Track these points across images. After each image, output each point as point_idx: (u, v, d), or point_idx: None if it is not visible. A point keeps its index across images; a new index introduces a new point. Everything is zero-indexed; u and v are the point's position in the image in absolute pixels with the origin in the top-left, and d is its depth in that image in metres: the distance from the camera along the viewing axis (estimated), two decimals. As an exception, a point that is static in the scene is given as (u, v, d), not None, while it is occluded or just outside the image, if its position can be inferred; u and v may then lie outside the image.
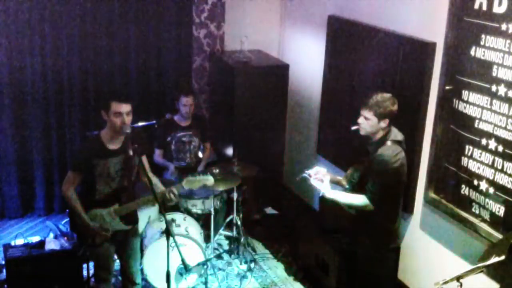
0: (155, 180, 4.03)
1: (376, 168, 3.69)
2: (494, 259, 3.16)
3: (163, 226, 4.24)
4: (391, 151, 3.70)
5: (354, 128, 3.83)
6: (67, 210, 5.52)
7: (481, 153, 3.77)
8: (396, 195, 3.86)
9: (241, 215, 5.24)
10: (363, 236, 3.94)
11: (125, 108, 3.71)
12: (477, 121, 3.78)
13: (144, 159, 4.00)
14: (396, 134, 3.80)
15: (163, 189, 3.91)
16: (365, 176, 3.80)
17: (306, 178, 3.97)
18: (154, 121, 5.15)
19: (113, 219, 3.85)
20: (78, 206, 3.80)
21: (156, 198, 3.64)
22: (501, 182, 3.63)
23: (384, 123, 3.72)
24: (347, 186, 4.01)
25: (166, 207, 4.73)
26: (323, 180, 3.89)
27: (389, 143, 3.73)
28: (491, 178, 3.70)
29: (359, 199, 3.75)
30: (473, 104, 3.80)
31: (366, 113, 3.72)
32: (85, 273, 4.59)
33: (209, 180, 4.01)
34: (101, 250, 3.92)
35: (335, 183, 4.06)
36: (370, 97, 3.74)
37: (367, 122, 3.74)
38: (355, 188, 3.88)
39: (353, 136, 4.85)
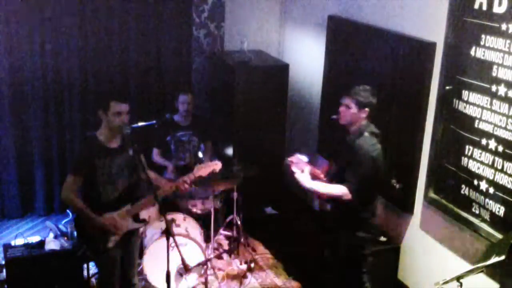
0: (153, 175, 4.02)
1: (355, 157, 3.76)
2: (494, 259, 3.16)
3: (163, 226, 4.24)
4: (369, 140, 3.78)
5: (334, 117, 3.92)
6: (67, 211, 5.57)
7: (481, 153, 3.77)
8: (373, 186, 3.89)
9: (241, 215, 5.24)
10: (344, 230, 3.97)
11: (125, 107, 3.71)
12: (477, 121, 3.78)
13: (142, 157, 4.00)
14: (373, 128, 3.87)
15: (168, 183, 3.94)
16: (343, 167, 3.86)
17: (287, 165, 4.03)
18: (154, 121, 5.15)
19: (126, 221, 3.84)
20: (83, 207, 3.71)
21: (156, 197, 3.64)
22: (501, 182, 3.63)
23: (363, 113, 3.79)
24: (325, 179, 4.05)
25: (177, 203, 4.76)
26: (303, 170, 3.94)
27: (366, 133, 3.80)
28: (491, 178, 3.70)
29: (338, 189, 3.78)
30: (473, 104, 3.80)
31: (347, 101, 3.82)
32: (85, 273, 4.59)
33: (218, 164, 4.04)
34: (109, 257, 3.85)
35: (313, 177, 4.09)
36: (352, 87, 3.86)
37: (347, 111, 3.82)
38: (333, 180, 3.92)
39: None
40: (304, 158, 4.01)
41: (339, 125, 3.90)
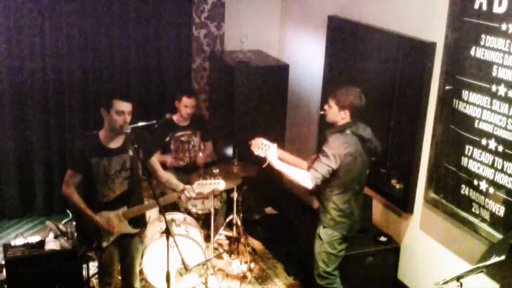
0: (169, 176, 4.05)
1: (323, 150, 3.86)
2: (494, 259, 3.16)
3: (163, 226, 4.23)
4: (345, 138, 3.86)
5: (321, 113, 4.09)
6: (67, 210, 5.57)
7: (481, 153, 3.77)
8: (340, 182, 3.92)
9: (241, 215, 5.24)
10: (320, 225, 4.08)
11: (128, 107, 3.70)
12: (477, 121, 3.78)
13: (155, 159, 4.00)
14: (359, 129, 3.93)
15: (180, 187, 3.93)
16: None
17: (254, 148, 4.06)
18: (154, 121, 5.15)
19: (121, 222, 3.83)
20: (79, 201, 3.76)
21: (158, 202, 3.64)
22: (501, 182, 3.63)
23: (344, 114, 3.89)
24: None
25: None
26: (269, 146, 4.02)
27: (348, 131, 3.89)
28: (491, 178, 3.70)
29: (299, 174, 3.90)
30: (473, 104, 3.80)
31: (330, 101, 3.96)
32: (85, 273, 4.58)
33: (220, 184, 4.03)
34: (105, 254, 3.88)
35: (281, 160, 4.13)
36: (339, 88, 3.99)
37: (329, 110, 3.96)
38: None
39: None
40: (268, 143, 4.04)
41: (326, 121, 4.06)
